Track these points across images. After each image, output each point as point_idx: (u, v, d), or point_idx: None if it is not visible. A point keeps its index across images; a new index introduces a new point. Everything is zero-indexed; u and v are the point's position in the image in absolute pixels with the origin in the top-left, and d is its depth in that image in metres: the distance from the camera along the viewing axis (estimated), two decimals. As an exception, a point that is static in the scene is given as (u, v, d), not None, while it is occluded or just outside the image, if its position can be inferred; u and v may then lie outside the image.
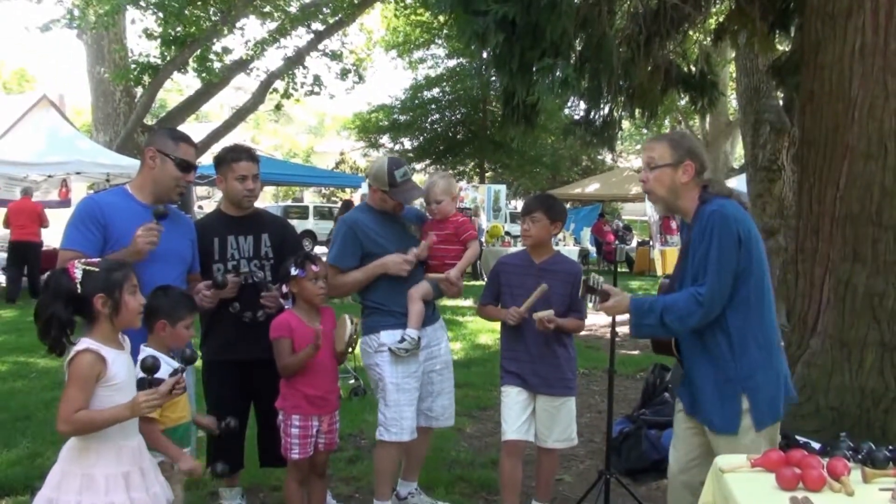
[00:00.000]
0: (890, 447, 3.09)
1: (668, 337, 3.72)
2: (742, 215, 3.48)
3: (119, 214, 3.93)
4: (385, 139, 36.16)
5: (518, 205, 35.08)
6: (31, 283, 15.19)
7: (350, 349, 4.43)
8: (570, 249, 20.51)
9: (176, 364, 3.53)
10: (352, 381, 7.93)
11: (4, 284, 15.95)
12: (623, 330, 12.26)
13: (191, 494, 4.68)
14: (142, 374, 3.29)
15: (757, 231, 3.53)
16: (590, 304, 3.72)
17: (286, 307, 4.41)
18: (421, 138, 35.48)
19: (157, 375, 3.21)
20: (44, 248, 15.30)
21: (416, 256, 4.68)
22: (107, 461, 3.10)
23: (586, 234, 25.38)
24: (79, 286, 3.07)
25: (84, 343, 3.09)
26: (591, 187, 29.92)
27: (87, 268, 3.11)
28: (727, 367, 3.47)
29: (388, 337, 4.66)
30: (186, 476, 3.60)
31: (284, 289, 4.39)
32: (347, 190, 36.23)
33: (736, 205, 3.54)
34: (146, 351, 3.53)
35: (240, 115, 23.70)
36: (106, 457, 3.10)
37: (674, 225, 25.06)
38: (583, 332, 4.93)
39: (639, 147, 48.54)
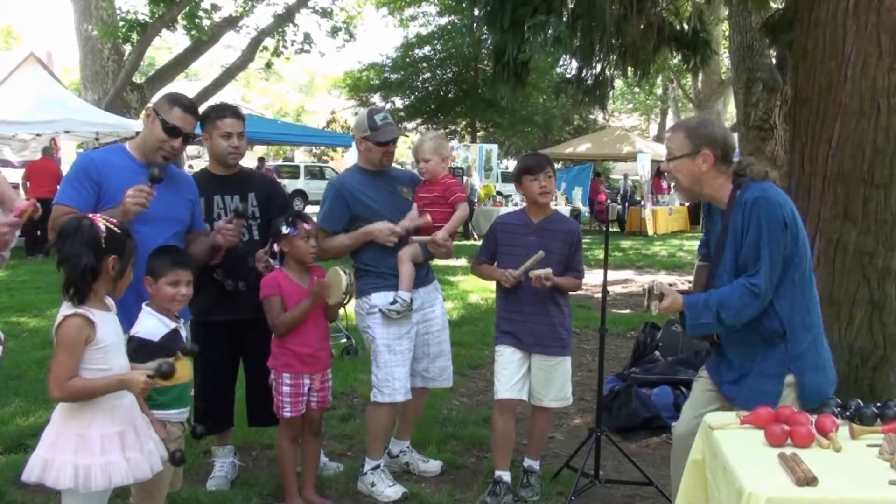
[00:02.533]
0: (877, 404, 3.11)
1: (723, 332, 3.67)
2: (783, 198, 3.44)
3: (114, 172, 3.90)
4: (376, 98, 35.96)
5: (510, 164, 35.03)
6: (44, 240, 15.21)
7: (346, 301, 4.42)
8: (561, 209, 20.50)
9: (173, 324, 3.54)
10: (343, 341, 7.95)
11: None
12: (615, 290, 12.30)
13: (185, 451, 4.69)
14: (131, 336, 3.30)
15: (797, 212, 3.50)
16: (652, 311, 3.69)
17: (275, 267, 4.39)
18: (412, 97, 35.31)
19: (152, 338, 3.22)
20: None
21: (405, 229, 4.66)
22: (101, 421, 3.11)
23: (577, 193, 25.35)
24: (103, 240, 3.07)
25: (71, 307, 3.07)
26: (583, 147, 29.88)
27: (110, 225, 3.11)
28: (776, 350, 3.46)
29: (380, 299, 4.66)
30: (176, 430, 3.60)
31: (275, 248, 4.37)
32: (339, 149, 36.16)
33: (775, 188, 3.49)
34: (145, 311, 3.54)
35: (229, 74, 23.49)
36: (100, 417, 3.11)
37: (664, 185, 25.11)
38: (575, 292, 4.93)
39: (630, 106, 48.45)
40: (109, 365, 3.11)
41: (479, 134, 35.28)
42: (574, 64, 8.18)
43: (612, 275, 5.59)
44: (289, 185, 30.77)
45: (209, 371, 4.59)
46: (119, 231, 3.15)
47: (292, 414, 4.35)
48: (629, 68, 7.77)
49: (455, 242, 4.95)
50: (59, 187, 4.01)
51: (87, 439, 3.07)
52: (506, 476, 4.64)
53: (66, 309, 3.07)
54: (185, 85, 34.11)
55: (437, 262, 4.95)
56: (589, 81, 7.73)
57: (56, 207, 3.91)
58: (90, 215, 3.15)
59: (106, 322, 3.14)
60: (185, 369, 3.63)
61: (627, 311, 10.70)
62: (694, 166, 3.55)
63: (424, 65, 35.03)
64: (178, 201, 4.17)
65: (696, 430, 3.60)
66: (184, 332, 3.69)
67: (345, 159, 35.13)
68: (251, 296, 4.36)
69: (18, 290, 11.44)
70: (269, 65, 23.44)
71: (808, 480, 2.45)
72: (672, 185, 3.81)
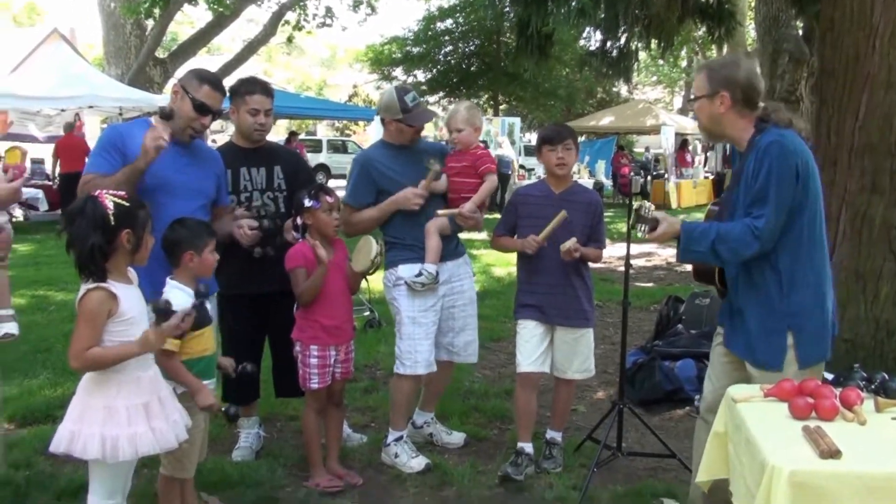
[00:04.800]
0: (903, 377, 3.09)
1: (716, 265, 3.66)
2: (801, 147, 3.36)
3: (138, 144, 3.92)
4: (398, 71, 35.85)
5: (532, 137, 34.87)
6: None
7: (372, 270, 4.45)
8: (584, 182, 20.40)
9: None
10: (367, 314, 7.98)
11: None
12: (638, 263, 12.26)
13: (209, 423, 4.75)
14: (155, 303, 3.33)
15: (815, 164, 3.42)
16: (638, 234, 3.64)
17: (298, 239, 4.41)
18: (434, 70, 35.16)
19: (181, 308, 3.25)
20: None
21: (425, 188, 4.66)
22: (127, 392, 3.14)
23: (601, 166, 25.21)
24: (111, 217, 3.07)
25: (93, 281, 3.10)
26: (606, 120, 29.65)
27: (117, 200, 3.10)
28: (774, 303, 3.41)
29: (406, 271, 4.67)
30: (205, 410, 3.65)
31: (298, 221, 4.39)
32: (361, 123, 36.09)
33: (795, 136, 3.41)
34: (171, 284, 3.55)
35: (251, 48, 23.48)
36: (126, 388, 3.15)
37: (688, 158, 24.94)
38: (597, 265, 4.93)
39: (654, 79, 48.05)
40: (133, 337, 3.14)
41: (501, 107, 35.13)
42: (598, 36, 8.13)
43: (635, 248, 5.59)
44: (311, 159, 30.75)
45: (236, 344, 4.65)
46: (128, 204, 3.15)
47: (319, 385, 4.39)
48: (653, 40, 7.72)
49: (485, 216, 4.92)
50: (88, 158, 4.06)
51: (114, 410, 3.11)
52: (528, 448, 4.66)
53: (88, 283, 3.10)
54: (207, 60, 34.13)
55: (460, 234, 4.94)
56: (613, 54, 7.69)
57: (84, 177, 3.95)
58: (96, 192, 3.14)
59: (128, 295, 3.17)
60: (209, 341, 3.68)
61: (651, 284, 10.67)
62: (712, 108, 3.49)
63: (446, 38, 34.84)
64: (204, 174, 4.18)
65: (718, 400, 3.60)
66: (209, 305, 3.71)
67: (367, 133, 35.06)
68: (277, 269, 4.38)
69: (46, 264, 11.55)
70: (290, 39, 23.41)
71: (832, 453, 2.44)
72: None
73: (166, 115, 3.81)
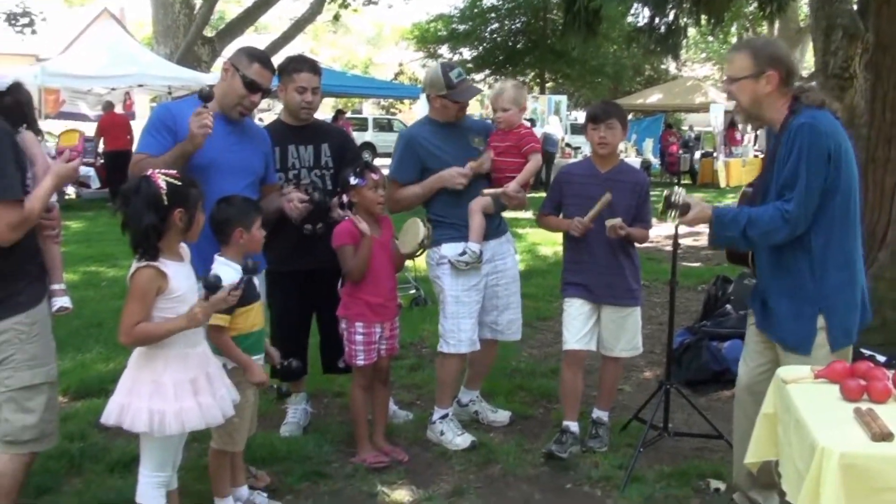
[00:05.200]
0: (958, 359, 3.04)
1: (747, 249, 3.65)
2: (834, 129, 3.31)
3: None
4: (444, 49, 35.74)
5: (579, 116, 34.62)
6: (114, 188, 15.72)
7: (419, 252, 4.46)
8: (632, 160, 20.21)
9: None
10: (412, 292, 8.01)
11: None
12: (686, 242, 12.18)
13: (259, 398, 4.82)
14: (205, 279, 3.38)
15: (850, 146, 3.37)
16: (669, 219, 3.63)
17: (345, 217, 4.42)
18: (480, 48, 34.97)
19: (211, 282, 3.30)
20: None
21: (472, 169, 4.65)
22: (175, 368, 3.20)
23: (648, 145, 24.96)
24: (164, 196, 3.10)
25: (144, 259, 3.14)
26: (654, 97, 29.32)
27: (170, 179, 3.14)
28: (805, 286, 3.39)
29: (450, 249, 4.67)
30: (255, 387, 3.70)
31: (344, 198, 4.41)
32: (406, 101, 36.11)
33: (829, 116, 3.36)
34: (219, 261, 3.59)
35: (298, 27, 23.52)
36: (174, 364, 3.20)
37: (738, 136, 24.59)
38: (643, 245, 4.89)
39: (704, 55, 47.35)
40: (183, 313, 3.19)
41: (547, 85, 34.88)
42: (646, 12, 8.04)
43: (683, 227, 5.59)
44: (357, 137, 30.78)
45: (284, 321, 4.70)
46: (181, 183, 3.18)
47: (366, 361, 4.42)
48: (703, 16, 7.60)
49: (529, 194, 4.91)
50: (138, 138, 4.09)
51: (161, 385, 3.17)
52: (573, 427, 4.66)
53: (140, 260, 3.14)
54: (255, 38, 34.27)
55: (503, 213, 4.92)
56: (661, 30, 7.59)
57: (135, 156, 4.01)
58: (149, 172, 3.17)
59: (179, 272, 3.21)
60: (258, 316, 3.72)
61: (698, 264, 10.56)
62: (757, 87, 3.43)
63: (492, 15, 34.60)
64: (252, 153, 4.20)
65: (756, 381, 3.58)
66: (256, 281, 3.74)
67: (413, 111, 35.05)
68: (325, 246, 4.41)
69: (97, 240, 11.73)
70: (336, 17, 23.44)
71: (884, 436, 2.41)
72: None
73: (206, 96, 3.81)
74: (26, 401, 3.28)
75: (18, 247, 3.22)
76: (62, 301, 3.76)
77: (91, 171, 17.22)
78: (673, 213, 3.56)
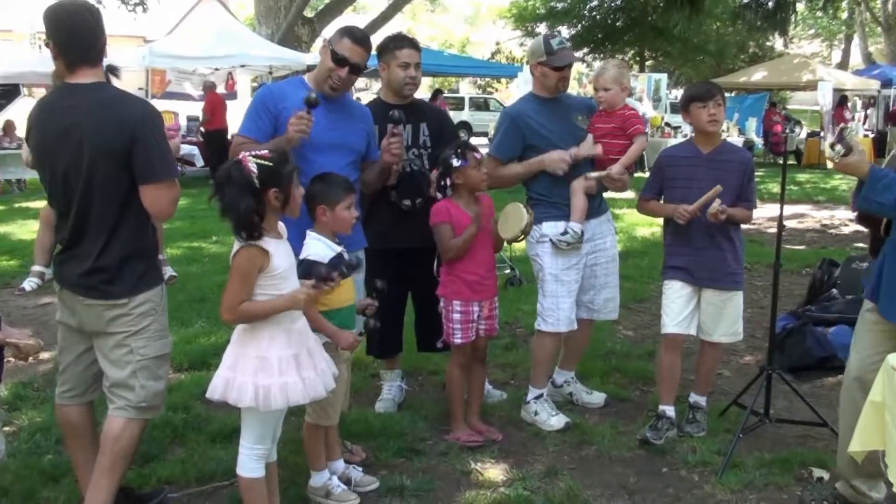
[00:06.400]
0: None
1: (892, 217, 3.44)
2: None
3: (291, 103, 3.99)
4: (542, 27, 35.38)
5: (678, 95, 33.93)
6: (215, 166, 16.18)
7: (520, 239, 4.46)
8: (734, 140, 19.72)
9: (338, 248, 3.63)
10: (507, 271, 8.01)
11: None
12: (789, 224, 11.84)
13: (353, 376, 4.90)
14: (303, 258, 3.43)
15: None
16: (831, 152, 3.47)
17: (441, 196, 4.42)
18: (579, 26, 34.54)
19: (322, 260, 3.34)
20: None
21: (573, 158, 4.60)
22: (279, 344, 3.26)
23: (752, 124, 24.29)
24: (256, 180, 3.13)
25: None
26: (758, 75, 28.44)
27: (260, 162, 3.17)
28: None
29: (551, 228, 4.65)
30: (347, 351, 3.74)
31: (443, 182, 4.38)
32: (503, 80, 35.96)
33: None
34: (311, 236, 3.64)
35: (396, 6, 23.63)
36: (277, 340, 3.26)
37: (847, 115, 23.72)
38: (746, 226, 4.77)
39: (812, 32, 45.83)
40: (282, 290, 3.24)
41: (647, 63, 34.23)
42: (753, -13, 7.79)
43: (787, 209, 5.44)
44: (454, 116, 30.88)
45: (381, 298, 4.73)
46: (271, 163, 3.19)
47: (463, 340, 4.44)
48: (813, -9, 7.33)
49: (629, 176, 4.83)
50: (242, 119, 4.17)
51: (266, 361, 3.23)
52: (670, 411, 4.60)
53: (241, 239, 3.19)
54: (353, 18, 34.58)
55: (608, 193, 4.87)
56: (769, 6, 7.36)
57: (236, 139, 4.11)
58: (240, 157, 3.20)
59: (279, 250, 3.26)
60: (349, 292, 3.73)
61: (802, 247, 10.27)
62: None
63: (592, -8, 34.17)
64: (352, 130, 4.23)
65: (868, 370, 3.43)
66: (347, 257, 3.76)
67: (509, 90, 34.90)
68: (422, 224, 4.43)
69: (199, 217, 12.02)
70: (435, -4, 23.42)
71: None
72: None
73: (312, 102, 3.85)
74: (158, 368, 3.46)
75: (152, 224, 3.45)
76: (170, 270, 3.90)
77: (195, 150, 17.68)
78: (839, 149, 3.38)
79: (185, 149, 17.06)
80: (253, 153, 3.22)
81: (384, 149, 4.27)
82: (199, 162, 17.78)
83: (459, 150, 4.30)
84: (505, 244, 4.74)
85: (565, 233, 4.59)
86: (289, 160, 3.31)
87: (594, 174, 4.62)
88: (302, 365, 3.30)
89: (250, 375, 3.22)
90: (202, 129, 17.61)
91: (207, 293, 7.43)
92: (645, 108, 21.69)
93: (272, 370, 3.23)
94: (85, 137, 3.20)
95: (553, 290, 4.68)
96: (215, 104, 17.28)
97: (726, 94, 4.65)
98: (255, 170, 3.14)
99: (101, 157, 3.21)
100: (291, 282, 3.30)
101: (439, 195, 4.43)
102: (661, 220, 4.87)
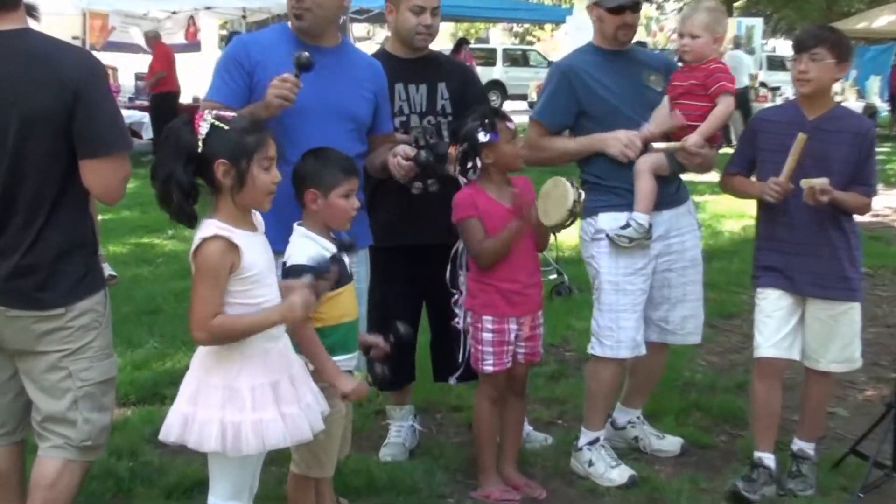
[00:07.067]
0: None
1: None
2: None
3: (272, 56, 4.02)
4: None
5: (777, 46, 33.85)
6: None
7: (568, 223, 4.35)
8: (851, 105, 19.60)
9: (332, 247, 3.61)
10: (553, 277, 7.97)
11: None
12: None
13: (353, 412, 4.90)
14: (284, 264, 3.42)
15: None
16: None
17: (464, 181, 4.41)
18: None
19: (318, 263, 3.33)
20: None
21: (648, 137, 4.55)
22: (252, 369, 3.23)
23: (873, 84, 24.15)
24: (200, 143, 3.08)
25: (210, 227, 3.14)
26: (883, 20, 28.32)
27: (216, 122, 3.12)
28: None
29: (609, 221, 4.62)
30: (348, 400, 3.71)
31: (461, 158, 4.36)
32: (547, 27, 35.91)
33: None
34: (297, 232, 3.63)
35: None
36: (251, 364, 3.23)
37: None
38: (863, 218, 4.74)
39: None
40: (259, 298, 3.22)
41: (736, 4, 34.18)
42: None
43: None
44: (482, 74, 30.89)
45: (386, 310, 4.70)
46: (227, 126, 3.12)
47: (495, 368, 4.43)
48: None
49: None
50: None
51: (236, 391, 3.21)
52: (768, 459, 4.58)
53: (204, 229, 3.15)
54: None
55: (686, 174, 4.84)
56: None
57: (203, 104, 4.06)
58: (197, 113, 3.16)
59: (253, 245, 3.21)
60: (349, 304, 3.73)
61: (942, 246, 10.23)
62: None
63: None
64: (352, 92, 4.20)
65: None
66: (346, 258, 3.74)
67: (555, 40, 34.86)
68: (440, 213, 4.44)
69: (151, 204, 11.95)
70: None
71: None
72: None
73: (304, 63, 3.83)
74: (103, 396, 3.48)
75: (90, 213, 3.47)
76: (108, 269, 3.92)
77: (145, 118, 17.53)
78: None
79: (133, 116, 17.06)
80: (216, 112, 3.19)
81: (395, 152, 4.21)
82: (149, 133, 17.61)
83: (487, 120, 4.27)
84: (550, 241, 4.71)
85: (627, 226, 4.55)
86: (258, 130, 3.23)
87: (664, 144, 4.57)
88: (283, 397, 3.28)
89: (215, 410, 3.19)
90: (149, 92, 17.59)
91: (161, 304, 7.46)
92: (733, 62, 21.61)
93: (243, 404, 3.20)
94: (11, 99, 3.18)
95: (612, 302, 4.67)
96: (163, 59, 17.23)
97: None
98: (203, 131, 3.09)
99: (33, 124, 3.20)
100: (270, 287, 3.28)
101: (462, 180, 4.41)
102: (753, 208, 4.82)
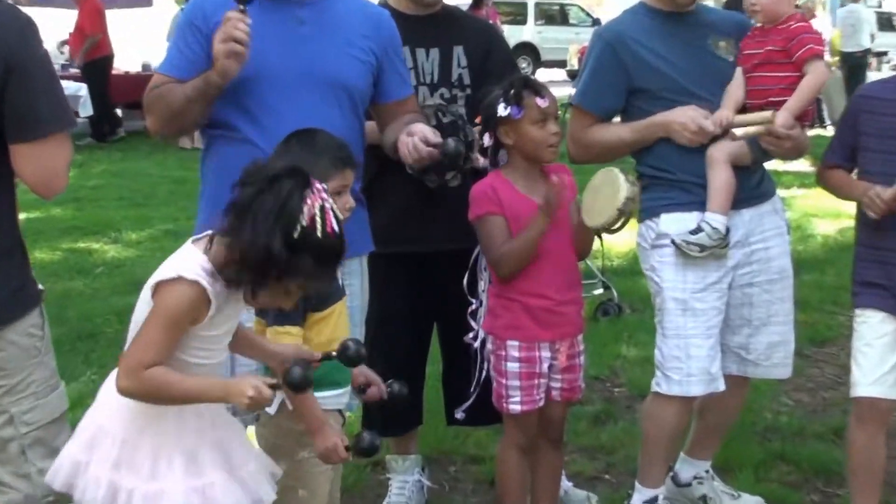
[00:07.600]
0: None
1: None
2: None
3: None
4: None
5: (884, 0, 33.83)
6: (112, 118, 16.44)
7: (618, 226, 4.35)
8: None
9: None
10: (598, 292, 7.97)
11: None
12: None
13: (344, 465, 4.90)
14: None
15: None
16: None
17: (489, 169, 4.42)
18: None
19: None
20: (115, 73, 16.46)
21: (723, 122, 4.48)
22: (161, 428, 3.18)
23: None
24: (297, 231, 2.94)
25: (192, 265, 3.07)
26: None
27: (335, 226, 3.01)
28: None
29: (674, 224, 4.61)
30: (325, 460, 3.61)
31: (487, 140, 4.35)
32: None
33: None
34: None
35: None
36: (160, 423, 3.18)
37: None
38: None
39: None
40: (195, 358, 3.19)
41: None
42: None
43: None
44: (509, 34, 30.95)
45: (386, 332, 4.72)
46: (335, 239, 3.03)
47: (524, 407, 4.42)
48: None
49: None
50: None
51: (136, 450, 3.17)
52: (869, 526, 4.59)
53: (184, 262, 3.11)
54: None
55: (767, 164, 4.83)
56: None
57: (155, 77, 4.13)
58: (317, 186, 3.03)
59: (226, 307, 3.16)
60: (340, 329, 3.69)
61: None
62: None
63: None
64: (338, 50, 4.11)
65: None
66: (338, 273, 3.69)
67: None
68: (457, 212, 4.43)
69: (90, 200, 11.99)
70: None
71: None
72: None
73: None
74: (55, 438, 3.47)
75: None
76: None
77: (82, 90, 17.39)
78: None
79: (69, 88, 16.95)
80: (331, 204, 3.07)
81: (407, 137, 4.09)
82: (86, 110, 17.48)
83: (511, 92, 4.25)
84: (595, 245, 4.70)
85: (698, 230, 4.53)
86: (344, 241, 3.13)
87: (743, 129, 4.56)
88: (203, 464, 3.22)
89: (107, 467, 3.15)
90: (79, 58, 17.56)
91: (101, 326, 7.48)
92: (821, 25, 21.60)
93: (139, 469, 3.15)
94: None
95: (680, 326, 4.64)
96: (94, 17, 17.18)
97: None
98: (318, 224, 2.95)
99: None
100: (217, 351, 3.27)
101: (483, 162, 4.41)
102: (852, 206, 4.80)
